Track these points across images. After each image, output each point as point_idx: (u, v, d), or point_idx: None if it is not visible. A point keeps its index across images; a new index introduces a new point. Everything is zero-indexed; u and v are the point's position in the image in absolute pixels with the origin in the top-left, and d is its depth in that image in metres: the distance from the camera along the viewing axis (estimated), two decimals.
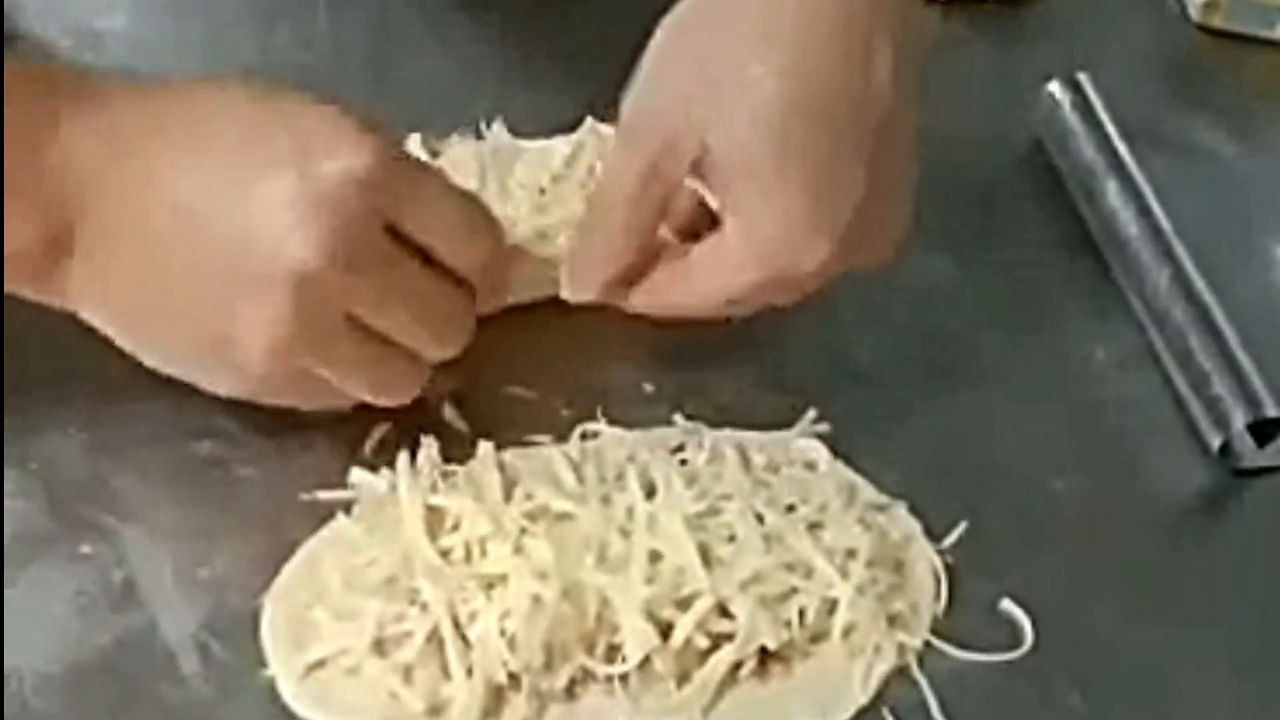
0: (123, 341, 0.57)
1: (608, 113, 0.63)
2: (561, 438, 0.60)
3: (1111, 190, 0.70)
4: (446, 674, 0.53)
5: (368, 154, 0.53)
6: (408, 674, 0.53)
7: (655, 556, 0.54)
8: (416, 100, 0.71)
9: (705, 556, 0.55)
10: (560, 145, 0.68)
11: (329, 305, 0.54)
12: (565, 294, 0.61)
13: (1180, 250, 0.67)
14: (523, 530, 0.55)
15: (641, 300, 0.60)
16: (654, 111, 0.58)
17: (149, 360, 0.57)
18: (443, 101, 0.71)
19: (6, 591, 0.55)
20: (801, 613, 0.55)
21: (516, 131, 0.69)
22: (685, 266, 0.59)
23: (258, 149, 0.54)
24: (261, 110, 0.55)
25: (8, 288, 0.56)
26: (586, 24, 0.74)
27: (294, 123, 0.54)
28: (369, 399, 0.58)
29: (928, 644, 0.56)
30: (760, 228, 0.57)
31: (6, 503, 0.57)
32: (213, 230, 0.53)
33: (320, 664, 0.54)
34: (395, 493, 0.57)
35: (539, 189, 0.66)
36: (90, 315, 0.57)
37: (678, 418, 0.61)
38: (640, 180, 0.58)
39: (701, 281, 0.59)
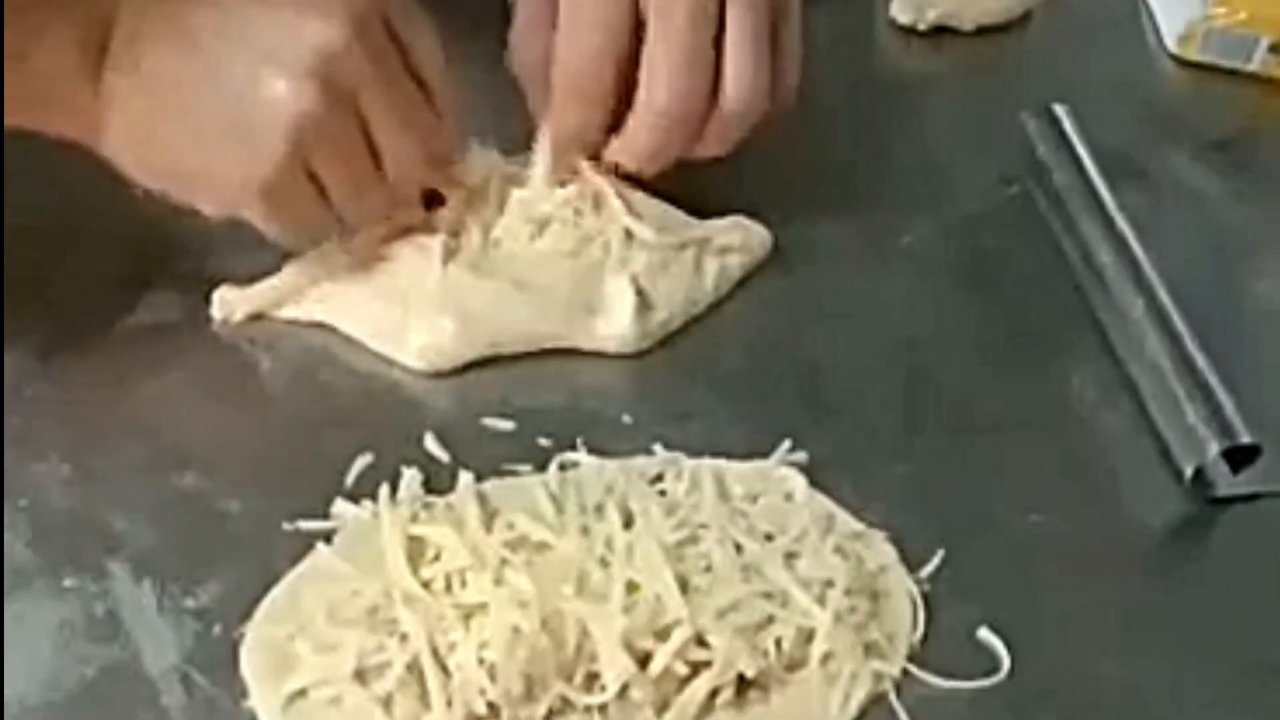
0: (138, 149, 0.61)
1: None
2: (541, 468, 0.60)
3: (1088, 221, 0.71)
4: (426, 704, 0.53)
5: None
6: (388, 704, 0.53)
7: (633, 586, 0.55)
8: None
9: (683, 586, 0.55)
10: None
11: (346, 85, 0.60)
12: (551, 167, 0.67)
13: (1155, 280, 0.68)
14: (503, 561, 0.55)
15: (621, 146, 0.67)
16: None
17: (158, 167, 0.61)
18: None
19: None
20: (779, 641, 0.55)
21: (511, 151, 0.69)
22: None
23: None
24: None
25: (41, 115, 0.60)
26: None
27: None
28: (350, 209, 0.63)
29: (905, 672, 0.56)
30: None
31: None
32: (247, 15, 0.60)
33: (301, 694, 0.54)
34: (377, 523, 0.57)
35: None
36: (113, 126, 0.60)
37: (657, 448, 0.61)
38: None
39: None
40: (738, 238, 0.69)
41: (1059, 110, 0.75)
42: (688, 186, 0.69)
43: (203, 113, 0.60)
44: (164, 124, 0.61)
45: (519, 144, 0.69)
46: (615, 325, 0.65)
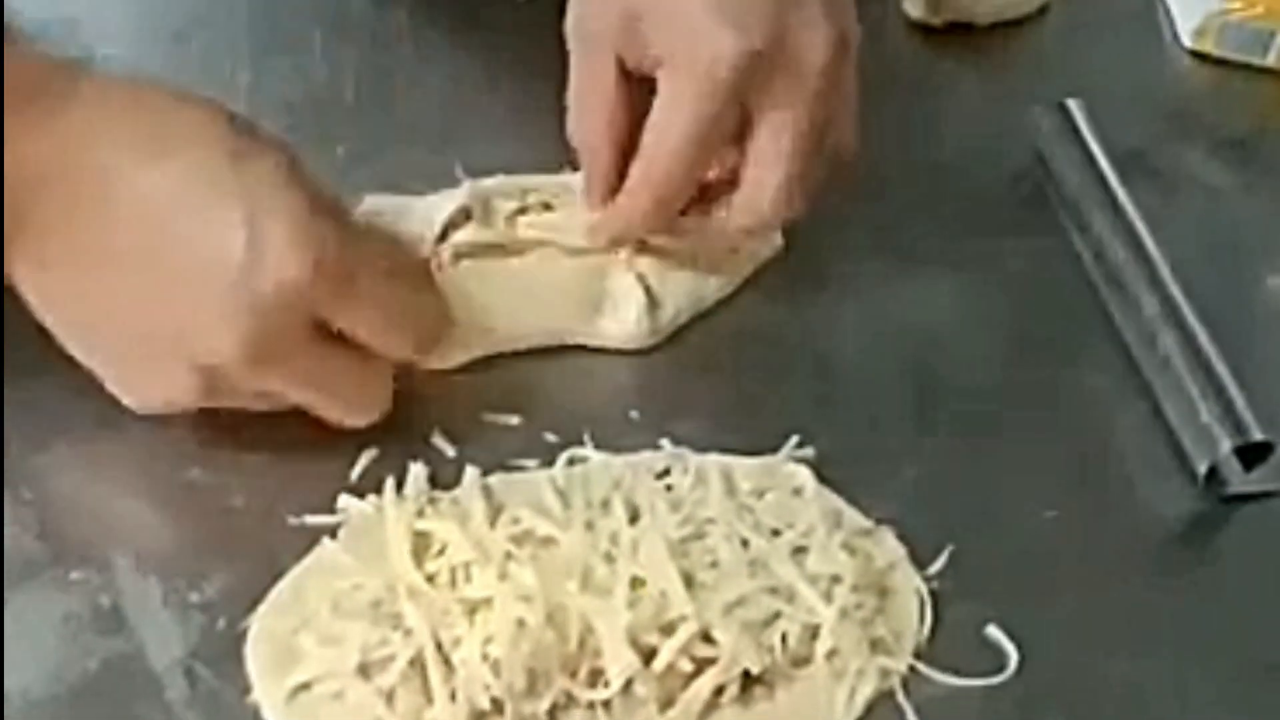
0: (56, 326, 0.58)
1: None
2: (548, 463, 0.60)
3: (1101, 217, 0.70)
4: (430, 698, 0.53)
5: (303, 266, 0.55)
6: (391, 698, 0.53)
7: (639, 582, 0.55)
8: (407, 132, 0.72)
9: (689, 581, 0.55)
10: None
11: (240, 388, 0.57)
12: (588, 237, 0.66)
13: (1169, 277, 0.67)
14: (508, 555, 0.55)
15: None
16: (595, 14, 0.64)
17: (76, 348, 0.58)
18: (434, 134, 0.72)
19: None
20: (785, 637, 0.55)
21: (510, 169, 0.69)
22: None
23: (210, 220, 0.55)
24: (222, 179, 0.56)
25: None
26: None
27: (249, 205, 0.55)
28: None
29: (912, 669, 0.56)
30: (690, 49, 0.61)
31: None
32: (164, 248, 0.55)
33: (305, 688, 0.54)
34: (382, 518, 0.57)
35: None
36: (28, 293, 0.57)
37: (664, 443, 0.61)
38: (614, 75, 0.64)
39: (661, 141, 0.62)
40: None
41: (1072, 105, 0.74)
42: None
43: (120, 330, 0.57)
44: (79, 319, 0.57)
45: (515, 162, 0.69)
46: (623, 322, 0.65)
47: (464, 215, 0.66)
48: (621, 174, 0.65)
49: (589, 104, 0.65)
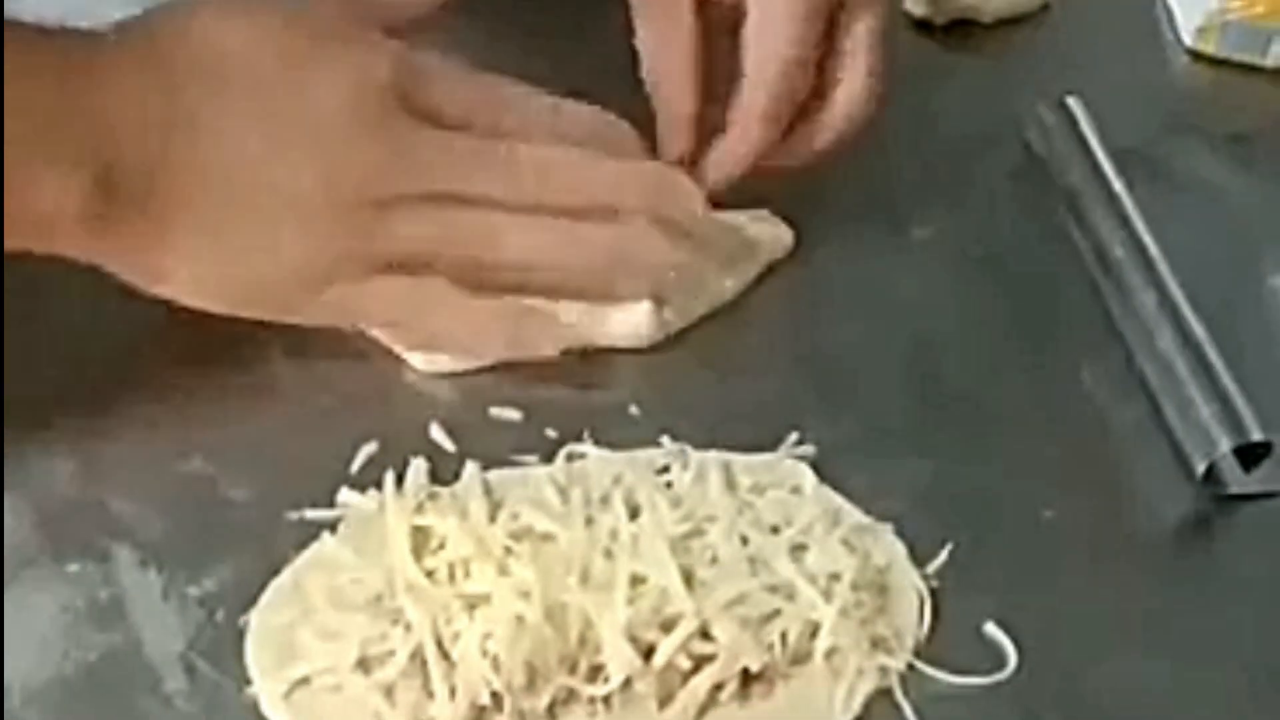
0: (189, 261, 0.57)
1: None
2: (548, 459, 0.60)
3: (1100, 214, 0.70)
4: (430, 693, 0.53)
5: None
6: (391, 693, 0.53)
7: (638, 578, 0.55)
8: None
9: (688, 578, 0.55)
10: None
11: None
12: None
13: (1167, 275, 0.67)
14: (507, 551, 0.55)
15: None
16: None
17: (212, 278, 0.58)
18: None
19: None
20: (784, 635, 0.55)
21: None
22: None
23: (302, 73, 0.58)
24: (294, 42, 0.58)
25: (53, 249, 0.56)
26: (605, 46, 0.74)
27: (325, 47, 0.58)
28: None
29: (911, 667, 0.56)
30: None
31: None
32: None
33: (304, 682, 0.54)
34: (382, 513, 0.57)
35: None
36: (148, 248, 0.57)
37: (665, 439, 0.61)
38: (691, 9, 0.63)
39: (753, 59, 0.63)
40: (766, 230, 0.69)
41: (1073, 103, 0.74)
42: None
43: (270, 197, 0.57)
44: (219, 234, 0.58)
45: None
46: (631, 323, 0.65)
47: None
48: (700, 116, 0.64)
49: (667, 42, 0.64)
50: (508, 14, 0.75)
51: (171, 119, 0.56)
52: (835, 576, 0.56)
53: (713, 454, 0.60)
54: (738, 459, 0.60)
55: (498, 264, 0.60)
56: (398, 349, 0.64)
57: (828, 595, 0.55)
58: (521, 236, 0.60)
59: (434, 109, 0.59)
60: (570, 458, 0.60)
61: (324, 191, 0.57)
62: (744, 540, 0.57)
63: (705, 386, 0.64)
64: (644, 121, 0.66)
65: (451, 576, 0.55)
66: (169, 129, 0.56)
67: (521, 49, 0.72)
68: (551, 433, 0.61)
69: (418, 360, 0.64)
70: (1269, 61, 0.80)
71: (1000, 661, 0.57)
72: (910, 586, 0.58)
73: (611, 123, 0.63)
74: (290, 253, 0.58)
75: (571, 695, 0.54)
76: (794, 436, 0.61)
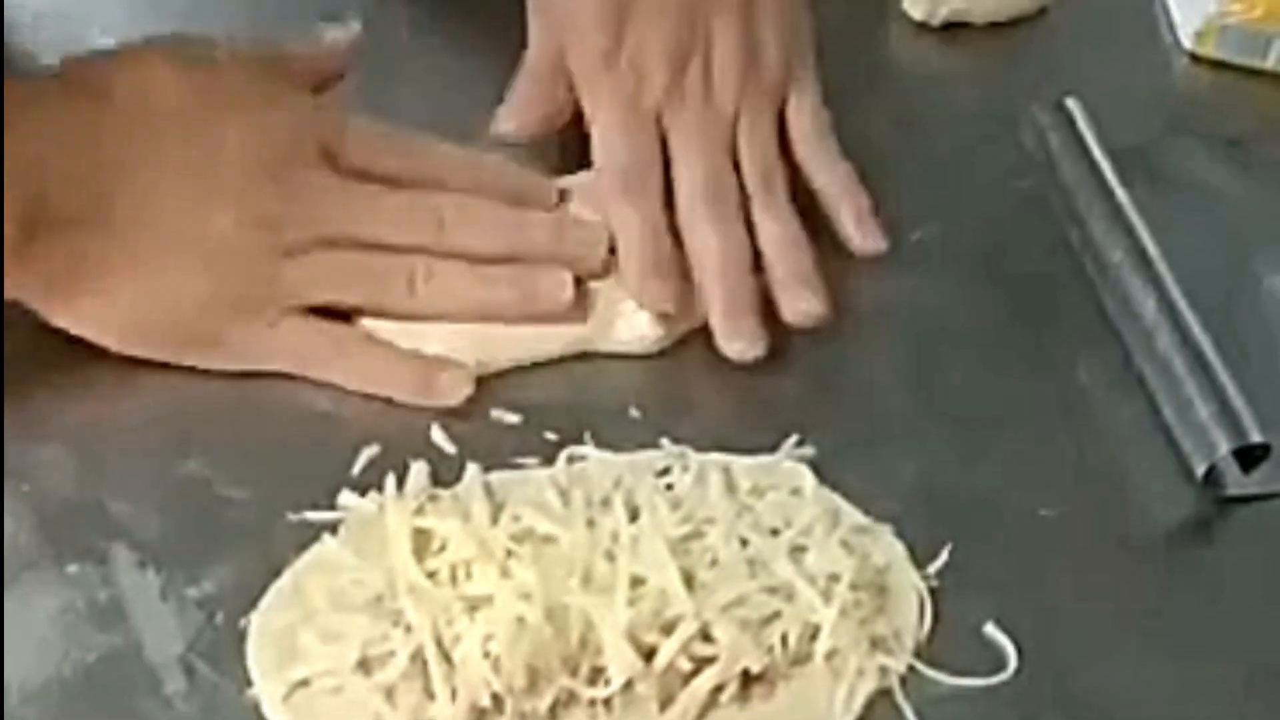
0: (100, 298, 0.60)
1: None
2: (549, 461, 0.60)
3: (1098, 216, 0.70)
4: (430, 695, 0.53)
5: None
6: (391, 694, 0.53)
7: (639, 580, 0.55)
8: (405, 111, 0.72)
9: (689, 580, 0.55)
10: None
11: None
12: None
13: (1166, 276, 0.67)
14: (508, 553, 0.55)
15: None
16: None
17: (132, 339, 0.60)
18: (435, 131, 0.71)
19: None
20: (784, 636, 0.55)
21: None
22: None
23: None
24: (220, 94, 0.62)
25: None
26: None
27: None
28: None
29: (911, 668, 0.56)
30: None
31: None
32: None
33: (305, 683, 0.54)
34: (382, 515, 0.57)
35: None
36: (64, 284, 0.59)
37: (665, 441, 0.61)
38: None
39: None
40: None
41: (1071, 105, 0.74)
42: None
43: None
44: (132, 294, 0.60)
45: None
46: (636, 330, 0.65)
47: None
48: None
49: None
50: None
51: (98, 161, 0.59)
52: (835, 577, 0.56)
53: (713, 456, 0.60)
54: (738, 461, 0.60)
55: (409, 310, 0.63)
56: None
57: (827, 596, 0.56)
58: (428, 282, 0.63)
59: (361, 166, 0.63)
60: (571, 460, 0.60)
61: (230, 237, 0.60)
62: (744, 542, 0.57)
63: (705, 389, 0.65)
64: None
65: (453, 578, 0.55)
66: (95, 170, 0.59)
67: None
68: (552, 435, 0.61)
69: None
70: (1269, 64, 0.80)
71: (1000, 662, 0.57)
72: (910, 587, 0.58)
73: (525, 175, 0.67)
74: (193, 295, 0.61)
75: (572, 697, 0.54)
76: (794, 438, 0.61)
